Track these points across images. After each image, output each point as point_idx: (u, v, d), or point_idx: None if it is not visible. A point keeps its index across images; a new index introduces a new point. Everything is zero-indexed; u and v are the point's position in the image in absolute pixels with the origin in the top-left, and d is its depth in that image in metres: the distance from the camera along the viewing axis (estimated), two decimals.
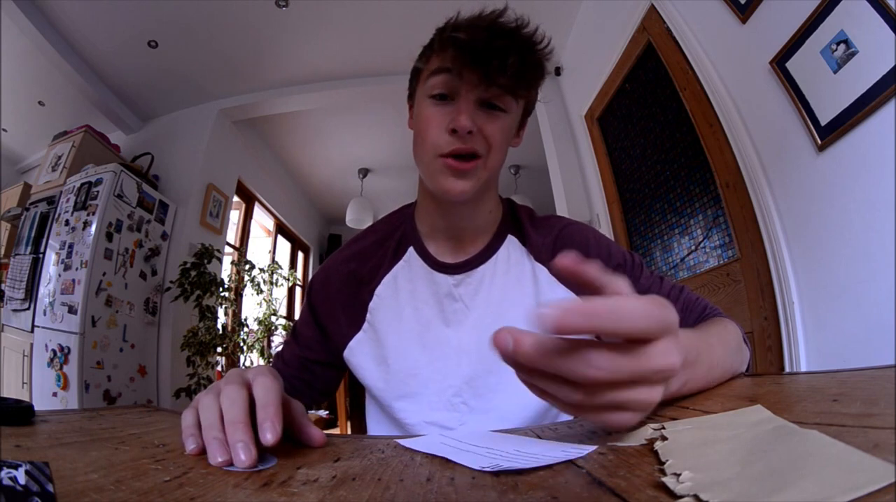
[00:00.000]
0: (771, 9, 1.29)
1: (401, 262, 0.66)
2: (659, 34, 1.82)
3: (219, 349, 2.82)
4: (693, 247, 1.77)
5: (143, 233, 2.68)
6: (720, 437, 0.25)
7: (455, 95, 0.54)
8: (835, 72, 1.11)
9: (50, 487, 0.21)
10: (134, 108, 3.23)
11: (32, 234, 2.62)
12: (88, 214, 2.41)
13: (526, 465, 0.25)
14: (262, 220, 4.41)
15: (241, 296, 3.52)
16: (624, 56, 2.10)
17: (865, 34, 1.04)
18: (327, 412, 3.40)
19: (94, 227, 2.37)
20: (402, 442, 0.37)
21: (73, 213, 2.47)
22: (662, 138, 1.92)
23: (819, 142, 1.15)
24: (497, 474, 0.25)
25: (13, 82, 2.82)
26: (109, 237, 2.43)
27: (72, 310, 2.26)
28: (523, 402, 0.58)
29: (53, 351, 2.24)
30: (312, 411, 2.93)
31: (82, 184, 2.51)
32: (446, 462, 0.29)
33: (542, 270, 0.63)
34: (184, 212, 2.95)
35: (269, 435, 0.30)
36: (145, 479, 0.25)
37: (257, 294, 3.42)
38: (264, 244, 4.50)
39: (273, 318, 3.51)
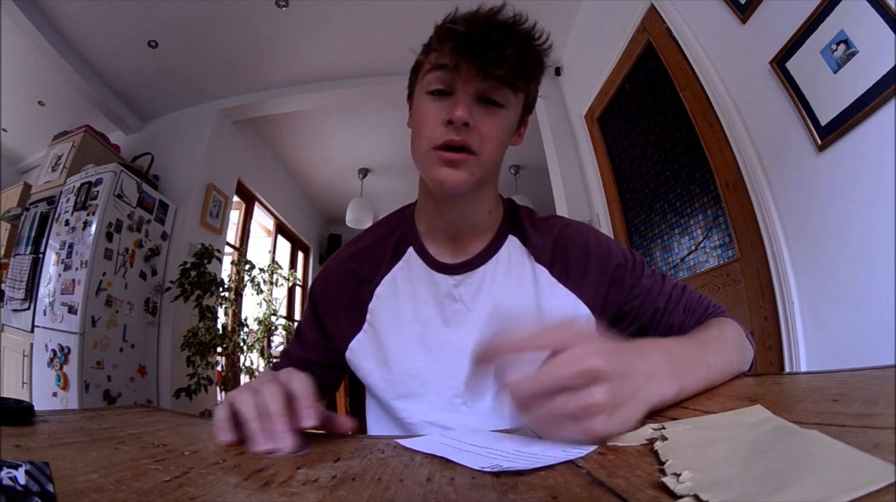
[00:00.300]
0: (771, 9, 1.29)
1: (400, 263, 0.66)
2: (659, 34, 1.82)
3: (219, 349, 2.82)
4: (693, 247, 1.77)
5: (143, 233, 2.68)
6: (720, 437, 0.25)
7: (453, 90, 0.54)
8: (835, 72, 1.11)
9: (50, 487, 0.21)
10: (134, 108, 3.22)
11: (32, 234, 2.62)
12: (88, 214, 2.41)
13: (526, 466, 0.25)
14: (262, 220, 4.41)
15: (241, 296, 3.52)
16: (624, 56, 2.10)
17: (865, 34, 1.04)
18: None
19: (94, 227, 2.37)
20: (402, 442, 0.37)
21: (73, 213, 2.47)
22: (662, 138, 1.92)
23: (819, 142, 1.15)
24: (497, 474, 0.25)
25: (13, 82, 2.82)
26: (109, 237, 2.43)
27: (72, 310, 2.26)
28: None
29: (53, 351, 2.24)
30: None
31: (82, 184, 2.51)
32: (446, 462, 0.29)
33: (543, 271, 0.63)
34: (184, 212, 2.95)
35: (308, 421, 0.36)
36: (145, 479, 0.25)
37: (257, 294, 3.42)
38: (264, 244, 4.50)
39: (273, 318, 3.51)
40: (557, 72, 2.84)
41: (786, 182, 1.29)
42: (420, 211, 0.67)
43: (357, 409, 0.83)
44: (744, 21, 1.38)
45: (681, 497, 0.18)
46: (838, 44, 1.10)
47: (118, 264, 2.48)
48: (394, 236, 0.68)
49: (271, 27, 2.59)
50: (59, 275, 2.37)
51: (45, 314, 2.34)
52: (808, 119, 1.18)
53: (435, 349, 0.61)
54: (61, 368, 2.20)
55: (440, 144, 0.54)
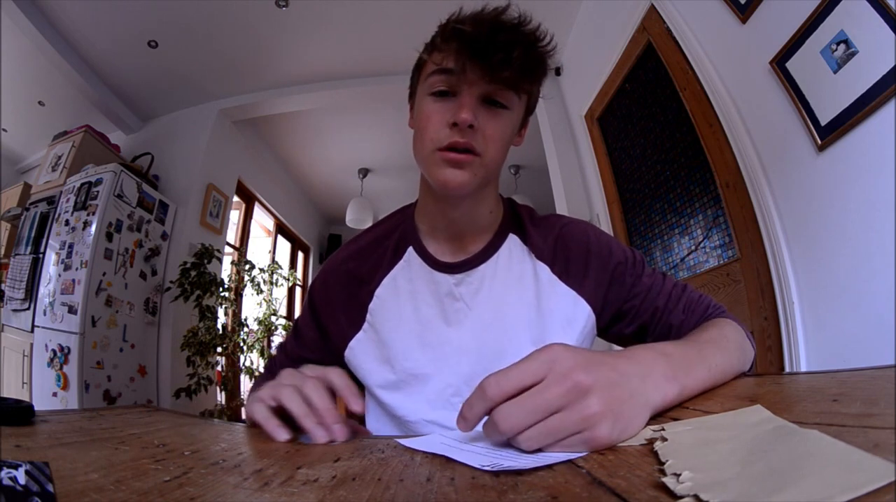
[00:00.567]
0: (771, 9, 1.29)
1: (401, 262, 0.66)
2: (659, 34, 1.82)
3: (219, 349, 2.82)
4: (693, 247, 1.77)
5: (143, 233, 2.68)
6: (720, 437, 0.25)
7: (457, 91, 0.54)
8: (835, 72, 1.11)
9: (50, 487, 0.21)
10: (134, 108, 3.23)
11: (32, 234, 2.62)
12: (88, 214, 2.41)
13: (526, 465, 0.25)
14: (262, 220, 4.41)
15: (241, 296, 3.52)
16: (624, 56, 2.10)
17: (865, 34, 1.04)
18: None
19: (94, 227, 2.37)
20: (402, 441, 0.37)
21: (73, 213, 2.47)
22: (662, 138, 1.91)
23: (819, 142, 1.15)
24: (497, 474, 0.25)
25: (13, 82, 2.82)
26: (109, 237, 2.43)
27: (72, 310, 2.26)
28: None
29: (53, 351, 2.24)
30: None
31: (82, 184, 2.51)
32: (446, 462, 0.29)
33: (544, 269, 0.63)
34: (184, 212, 2.95)
35: (357, 407, 0.41)
36: (145, 479, 0.25)
37: (257, 294, 3.42)
38: (264, 244, 4.50)
39: (273, 318, 3.50)
40: (558, 72, 2.84)
41: (786, 182, 1.29)
42: (421, 210, 0.67)
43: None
44: (744, 21, 1.38)
45: (681, 497, 0.18)
46: (838, 44, 1.09)
47: (118, 264, 2.48)
48: (394, 236, 0.68)
49: (271, 27, 2.59)
50: (59, 275, 2.37)
51: (45, 314, 2.34)
52: (808, 119, 1.18)
53: (436, 348, 0.61)
54: (61, 368, 2.20)
55: (444, 146, 0.54)
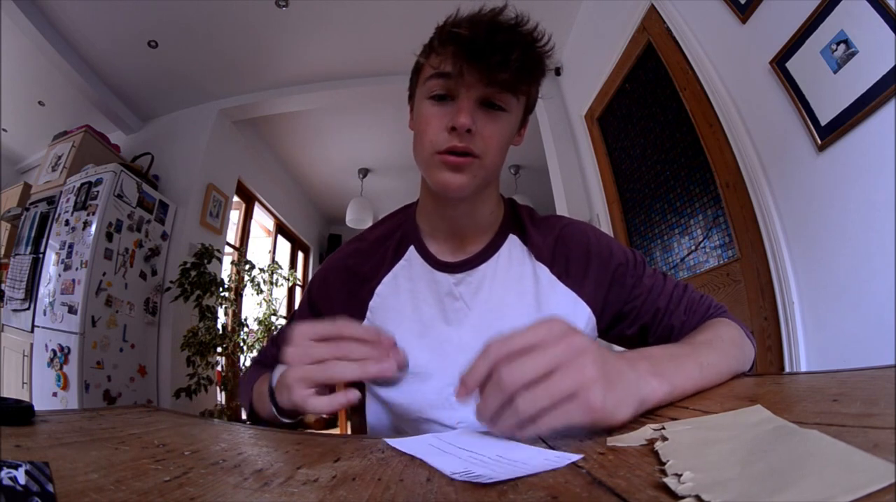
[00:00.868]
0: (771, 9, 1.29)
1: (401, 261, 0.66)
2: (659, 34, 1.82)
3: (219, 349, 2.82)
4: (693, 247, 1.77)
5: (143, 233, 2.68)
6: (721, 437, 0.25)
7: (455, 95, 0.54)
8: (835, 72, 1.11)
9: (50, 487, 0.21)
10: (134, 108, 3.22)
11: (32, 234, 2.62)
12: (88, 214, 2.41)
13: (499, 476, 0.24)
14: (262, 220, 4.41)
15: (241, 296, 3.52)
16: (624, 56, 2.10)
17: (865, 34, 1.04)
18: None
19: (94, 227, 2.37)
20: (390, 441, 0.37)
21: (73, 213, 2.47)
22: (662, 138, 1.91)
23: (819, 142, 1.15)
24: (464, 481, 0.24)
25: (13, 82, 2.82)
26: (109, 237, 2.43)
27: (72, 310, 2.26)
28: None
29: (53, 351, 2.24)
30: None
31: (82, 184, 2.51)
32: None
33: (544, 269, 0.63)
34: (184, 212, 2.95)
35: (386, 341, 0.46)
36: (145, 479, 0.25)
37: (257, 294, 3.42)
38: (264, 244, 4.50)
39: (273, 318, 3.51)
40: (557, 72, 2.84)
41: (786, 182, 1.29)
42: (421, 210, 0.67)
43: (357, 409, 0.83)
44: (744, 21, 1.38)
45: (682, 497, 0.18)
46: (838, 44, 1.09)
47: (118, 264, 2.48)
48: (395, 235, 0.68)
49: (271, 27, 2.59)
50: (59, 275, 2.37)
51: (45, 314, 2.34)
52: (808, 119, 1.18)
53: (436, 347, 0.61)
54: (61, 368, 2.20)
55: (443, 150, 0.54)
